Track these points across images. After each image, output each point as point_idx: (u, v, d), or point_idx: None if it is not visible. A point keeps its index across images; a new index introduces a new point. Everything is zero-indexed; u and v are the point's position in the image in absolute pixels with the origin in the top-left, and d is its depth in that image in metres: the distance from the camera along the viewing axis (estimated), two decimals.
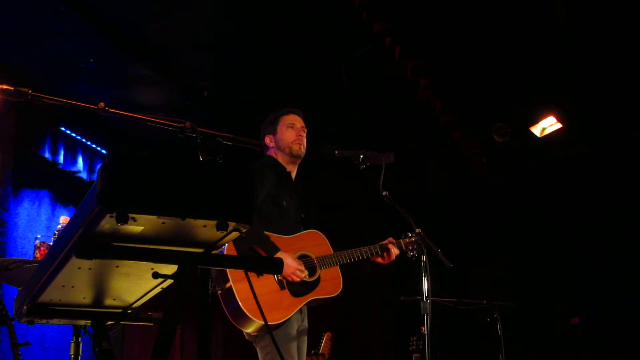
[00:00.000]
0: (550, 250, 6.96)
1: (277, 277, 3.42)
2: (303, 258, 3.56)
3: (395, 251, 3.77)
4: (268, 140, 3.82)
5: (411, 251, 3.77)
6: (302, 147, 3.77)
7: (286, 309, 3.41)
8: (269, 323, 3.31)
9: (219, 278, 3.35)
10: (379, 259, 3.79)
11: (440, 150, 7.05)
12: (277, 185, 3.66)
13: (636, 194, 6.51)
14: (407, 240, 3.80)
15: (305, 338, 3.62)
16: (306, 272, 3.50)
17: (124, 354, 7.10)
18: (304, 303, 3.49)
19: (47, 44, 5.24)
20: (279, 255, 3.39)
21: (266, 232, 3.47)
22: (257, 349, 3.48)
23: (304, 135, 3.80)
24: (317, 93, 6.08)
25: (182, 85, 6.09)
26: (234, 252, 3.31)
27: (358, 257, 3.69)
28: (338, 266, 3.64)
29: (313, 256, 3.58)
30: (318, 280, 3.55)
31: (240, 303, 3.26)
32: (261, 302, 3.28)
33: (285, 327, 3.41)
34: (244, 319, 3.29)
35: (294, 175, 3.83)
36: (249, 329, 3.36)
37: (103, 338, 2.27)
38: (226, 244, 3.07)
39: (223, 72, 5.87)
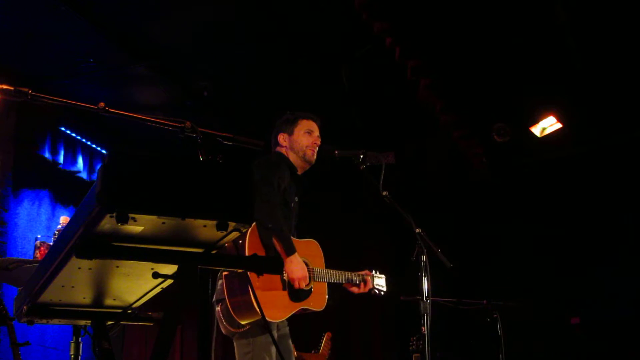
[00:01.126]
0: (550, 250, 6.96)
1: (284, 277, 3.42)
2: None
3: (370, 285, 3.81)
4: (282, 138, 3.80)
5: (373, 290, 3.82)
6: (315, 154, 3.77)
7: (283, 311, 3.41)
8: (269, 320, 3.30)
9: None
10: (354, 289, 3.81)
11: (440, 150, 7.05)
12: (289, 184, 3.66)
13: (636, 194, 6.51)
14: (377, 277, 3.85)
15: (290, 341, 3.59)
16: None
17: (124, 354, 7.10)
18: (297, 309, 3.48)
19: (47, 44, 5.24)
20: (294, 257, 3.38)
21: None
22: (236, 345, 3.43)
23: (319, 144, 3.80)
24: (317, 93, 6.08)
25: (182, 85, 6.09)
26: (257, 240, 3.31)
27: (344, 279, 3.72)
28: (326, 283, 3.64)
29: (311, 266, 3.57)
30: (310, 291, 3.55)
31: (253, 292, 3.24)
32: (265, 296, 3.29)
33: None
34: (249, 309, 3.27)
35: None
36: (245, 321, 3.32)
37: (103, 338, 2.27)
38: (250, 229, 3.07)
39: (223, 72, 5.87)
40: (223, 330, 3.44)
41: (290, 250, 3.39)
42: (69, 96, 2.05)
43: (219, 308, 3.38)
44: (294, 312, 3.46)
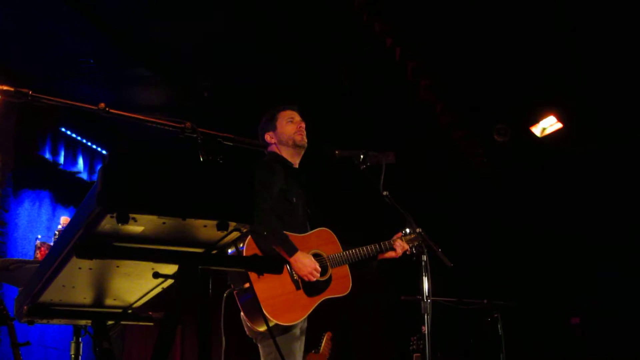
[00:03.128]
0: (551, 250, 6.96)
1: (294, 277, 3.43)
2: (316, 257, 3.56)
3: (405, 245, 3.77)
4: (268, 137, 3.82)
5: (411, 249, 3.78)
6: (304, 137, 3.78)
7: (302, 310, 3.42)
8: (286, 324, 3.33)
9: (236, 277, 3.35)
10: (387, 254, 3.79)
11: (441, 151, 7.06)
12: (286, 181, 3.66)
13: (636, 194, 6.51)
14: (408, 237, 3.81)
15: (304, 338, 3.62)
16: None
17: (124, 354, 7.10)
18: (318, 303, 3.49)
19: (48, 44, 5.24)
20: (297, 255, 3.40)
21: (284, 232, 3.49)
22: (260, 347, 3.48)
23: (304, 127, 3.81)
24: (317, 93, 6.09)
25: (183, 85, 6.09)
26: (256, 251, 3.32)
27: (366, 254, 3.70)
28: (347, 265, 3.65)
29: (325, 255, 3.59)
30: (330, 279, 3.55)
31: (261, 304, 3.26)
32: (279, 302, 3.32)
33: (293, 327, 3.42)
34: (261, 318, 3.29)
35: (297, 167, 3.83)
36: (261, 328, 3.37)
37: (103, 338, 2.27)
38: (246, 243, 3.08)
39: (223, 72, 5.87)
40: (247, 333, 3.49)
41: (292, 250, 3.41)
42: (69, 97, 2.06)
43: (242, 313, 3.43)
44: (314, 306, 3.47)
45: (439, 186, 7.63)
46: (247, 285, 3.30)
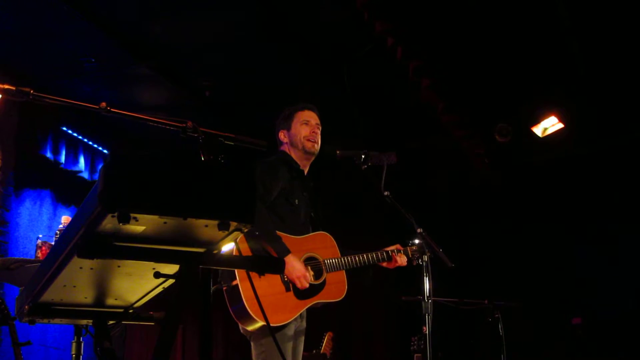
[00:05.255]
0: (552, 250, 6.96)
1: (284, 278, 3.42)
2: (311, 260, 3.55)
3: (403, 259, 3.76)
4: (282, 135, 3.79)
5: (417, 259, 3.76)
6: (316, 144, 3.74)
7: (290, 311, 3.40)
8: (272, 324, 3.31)
9: (225, 275, 3.35)
10: (385, 264, 3.78)
11: (442, 151, 7.05)
12: (290, 182, 3.64)
13: (637, 194, 6.50)
14: (414, 247, 3.79)
15: (303, 338, 3.61)
16: (312, 274, 3.49)
17: (125, 354, 7.10)
18: (308, 306, 3.48)
19: (49, 43, 5.25)
20: (288, 257, 3.39)
21: (278, 233, 3.47)
22: (252, 345, 3.47)
23: (318, 132, 3.78)
24: (318, 93, 6.08)
25: (184, 85, 6.09)
26: (246, 248, 3.29)
27: (365, 262, 3.68)
28: (344, 270, 3.63)
29: (321, 259, 3.57)
30: (324, 283, 3.54)
31: (245, 303, 3.25)
32: (266, 302, 3.28)
33: (282, 327, 3.40)
34: (248, 318, 3.29)
35: (306, 172, 3.81)
36: (251, 328, 3.36)
37: (104, 338, 2.27)
38: (237, 241, 3.08)
39: (224, 72, 5.87)
40: (242, 331, 3.48)
41: (284, 252, 3.39)
42: (70, 96, 2.06)
43: (231, 312, 3.41)
44: (303, 309, 3.46)
45: (440, 186, 7.63)
46: (234, 283, 3.29)
